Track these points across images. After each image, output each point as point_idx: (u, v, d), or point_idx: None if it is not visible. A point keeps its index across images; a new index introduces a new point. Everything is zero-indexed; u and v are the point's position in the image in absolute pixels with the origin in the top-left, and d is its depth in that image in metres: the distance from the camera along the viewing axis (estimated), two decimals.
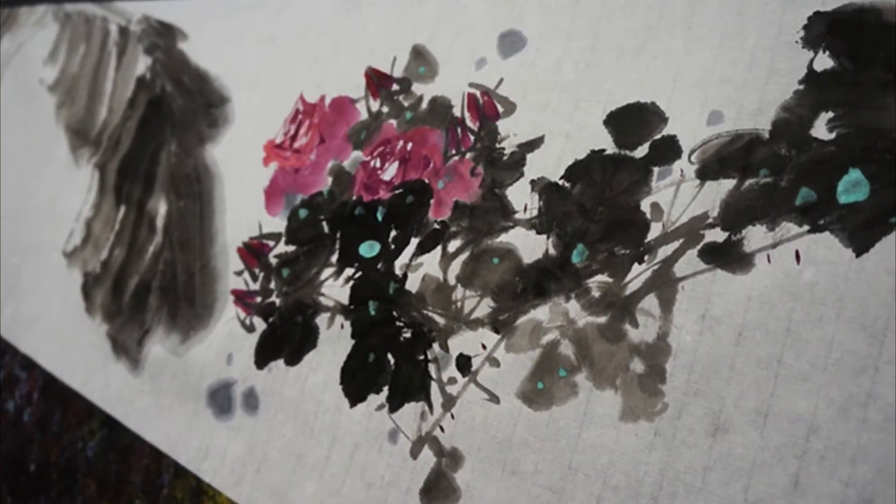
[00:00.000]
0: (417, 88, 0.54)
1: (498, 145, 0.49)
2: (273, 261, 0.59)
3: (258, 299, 0.58)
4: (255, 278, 0.59)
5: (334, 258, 0.55)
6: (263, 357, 0.57)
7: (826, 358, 0.35)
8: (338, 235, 0.55)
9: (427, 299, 0.49)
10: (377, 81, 0.56)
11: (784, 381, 0.36)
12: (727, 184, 0.39)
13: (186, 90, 0.70)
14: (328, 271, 0.55)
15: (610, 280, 0.42)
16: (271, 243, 0.59)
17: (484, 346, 0.46)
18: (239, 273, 0.60)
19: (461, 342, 0.47)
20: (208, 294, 0.62)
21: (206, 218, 0.64)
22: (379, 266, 0.52)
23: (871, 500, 0.33)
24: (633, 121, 0.44)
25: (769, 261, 0.37)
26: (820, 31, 0.39)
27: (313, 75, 0.61)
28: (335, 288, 0.54)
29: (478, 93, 0.51)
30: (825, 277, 0.36)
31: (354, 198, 0.55)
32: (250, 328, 0.58)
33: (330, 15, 0.62)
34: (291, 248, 0.58)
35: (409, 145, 0.53)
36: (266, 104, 0.64)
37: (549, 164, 0.46)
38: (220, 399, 0.58)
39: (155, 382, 0.64)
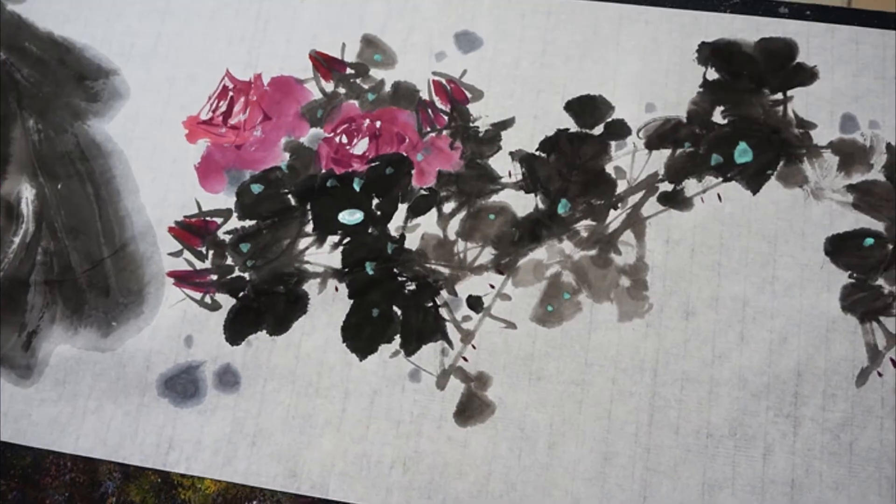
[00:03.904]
0: (376, 73, 0.68)
1: (471, 124, 0.67)
2: (225, 237, 0.65)
3: (212, 277, 0.65)
4: (201, 257, 0.65)
5: (308, 228, 0.65)
6: (239, 332, 0.63)
7: (746, 258, 0.63)
8: (308, 207, 0.66)
9: (429, 254, 0.64)
10: (326, 65, 0.68)
11: (724, 276, 0.63)
12: (666, 152, 0.66)
13: (35, 59, 0.68)
14: (306, 240, 0.65)
15: (594, 223, 0.64)
16: (218, 220, 0.66)
17: (492, 286, 0.64)
18: (176, 254, 0.65)
19: (468, 286, 0.64)
20: (131, 281, 0.64)
21: (107, 200, 0.66)
22: (370, 230, 0.65)
23: (785, 338, 0.62)
24: (588, 107, 0.67)
25: (702, 201, 0.65)
26: (707, 54, 0.67)
27: (239, 53, 0.69)
28: (321, 255, 0.65)
29: (443, 80, 0.68)
30: (737, 209, 0.64)
31: (324, 171, 0.66)
32: (213, 306, 0.64)
33: None
34: (247, 222, 0.66)
35: (379, 123, 0.67)
36: (176, 79, 0.69)
37: (523, 140, 0.66)
38: (181, 385, 0.63)
39: (65, 387, 0.63)
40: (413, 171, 0.66)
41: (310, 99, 0.68)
